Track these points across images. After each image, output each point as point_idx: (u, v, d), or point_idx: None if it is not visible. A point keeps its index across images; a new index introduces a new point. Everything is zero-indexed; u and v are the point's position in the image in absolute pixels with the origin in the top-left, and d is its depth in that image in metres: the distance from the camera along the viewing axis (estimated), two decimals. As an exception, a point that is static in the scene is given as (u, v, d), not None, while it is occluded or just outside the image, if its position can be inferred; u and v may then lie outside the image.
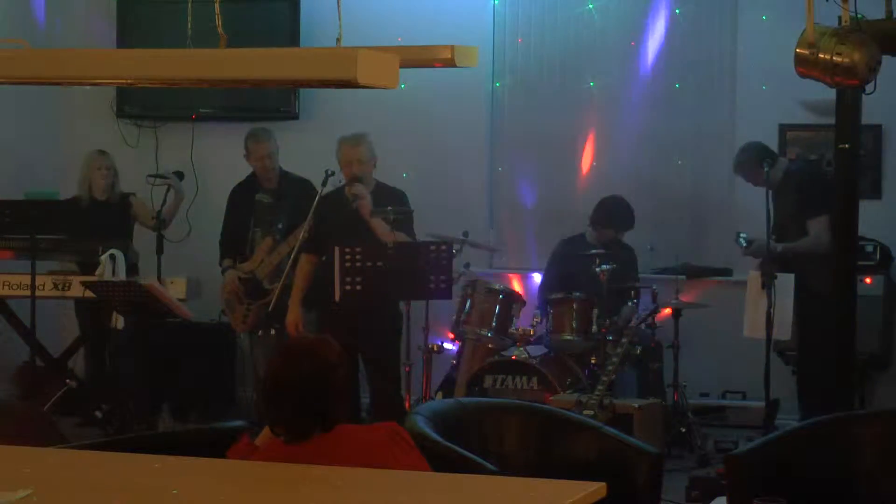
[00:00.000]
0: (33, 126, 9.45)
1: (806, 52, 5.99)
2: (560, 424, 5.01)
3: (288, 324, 7.53)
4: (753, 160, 7.65)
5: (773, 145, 8.24)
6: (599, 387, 7.17)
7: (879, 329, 8.08)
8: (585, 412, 6.89)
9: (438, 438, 4.55)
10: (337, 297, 7.14)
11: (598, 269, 7.75)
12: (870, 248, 8.05)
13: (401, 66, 3.30)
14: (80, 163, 8.67)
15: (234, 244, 8.25)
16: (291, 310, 7.56)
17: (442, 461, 4.10)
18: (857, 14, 6.00)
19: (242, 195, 8.27)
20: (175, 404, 8.47)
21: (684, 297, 8.00)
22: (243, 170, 8.34)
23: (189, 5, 4.29)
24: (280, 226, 7.99)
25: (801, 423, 5.23)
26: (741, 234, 7.67)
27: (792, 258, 7.50)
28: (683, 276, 8.34)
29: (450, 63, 3.73)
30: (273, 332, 7.90)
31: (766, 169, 7.39)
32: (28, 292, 8.06)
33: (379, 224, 7.32)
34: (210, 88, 8.15)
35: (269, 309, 7.52)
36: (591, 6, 8.90)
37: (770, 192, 7.56)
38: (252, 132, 8.24)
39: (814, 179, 7.81)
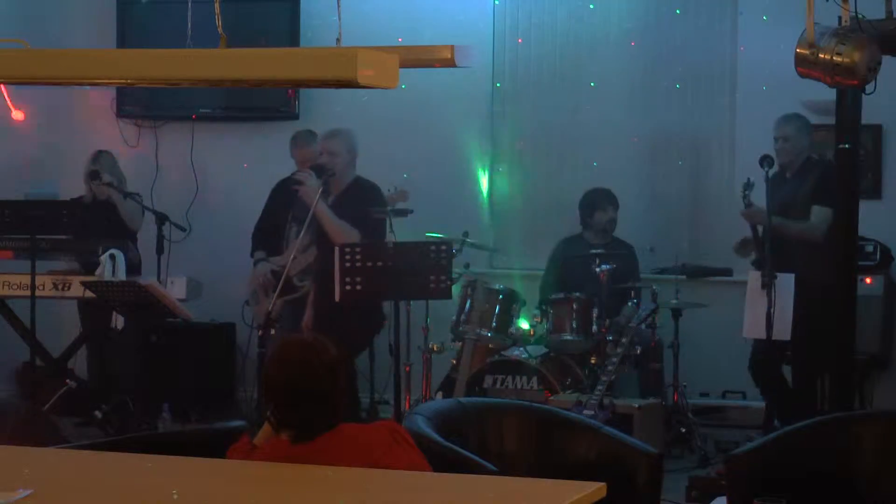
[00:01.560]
0: (33, 126, 9.44)
1: (806, 52, 5.99)
2: (560, 424, 5.01)
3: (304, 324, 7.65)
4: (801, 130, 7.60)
5: (774, 145, 8.24)
6: (599, 387, 7.17)
7: (879, 329, 8.08)
8: (585, 412, 6.89)
9: (438, 438, 4.55)
10: (337, 298, 7.16)
11: (598, 269, 7.76)
12: (870, 248, 8.05)
13: (401, 66, 3.30)
14: (80, 163, 8.67)
15: (268, 237, 8.26)
16: (308, 310, 7.66)
17: (442, 461, 4.10)
18: (857, 14, 5.99)
19: (285, 190, 8.26)
20: (175, 404, 8.46)
21: (684, 298, 8.02)
22: (243, 169, 8.35)
23: (189, 5, 4.29)
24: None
25: (801, 423, 5.22)
26: (751, 180, 7.52)
27: (790, 251, 7.43)
28: (683, 276, 8.34)
29: (450, 63, 3.73)
30: (273, 332, 7.91)
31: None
32: (28, 292, 8.06)
33: (325, 215, 7.35)
34: (210, 88, 8.16)
35: (270, 309, 7.52)
36: (591, 6, 8.90)
37: (778, 171, 7.55)
38: (295, 136, 8.30)
39: (831, 173, 7.78)
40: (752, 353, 7.75)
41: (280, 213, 8.25)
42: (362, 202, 7.36)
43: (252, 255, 8.31)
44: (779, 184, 7.61)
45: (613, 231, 8.25)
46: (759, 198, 7.44)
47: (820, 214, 7.43)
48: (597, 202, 8.25)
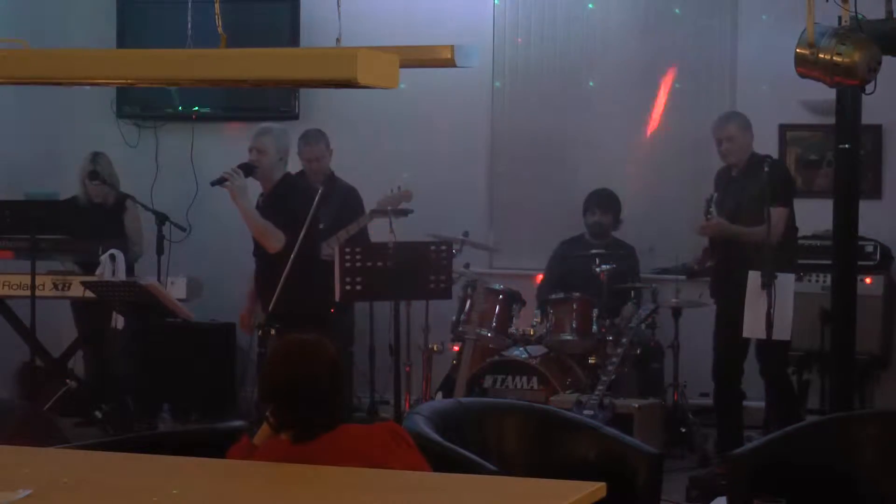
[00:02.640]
0: (33, 126, 9.45)
1: (806, 52, 5.99)
2: (560, 424, 5.02)
3: None
4: (744, 127, 7.59)
5: (774, 145, 8.24)
6: (599, 387, 7.17)
7: (879, 329, 8.07)
8: (585, 412, 6.89)
9: (438, 438, 4.55)
10: (337, 298, 7.18)
11: (598, 269, 7.76)
12: (870, 248, 8.05)
13: (401, 66, 3.30)
14: (80, 163, 8.67)
15: None
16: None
17: (442, 461, 4.10)
18: (857, 14, 5.99)
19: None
20: (175, 404, 8.47)
21: (684, 298, 8.02)
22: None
23: (189, 5, 4.29)
24: (321, 226, 7.97)
25: (801, 423, 5.24)
26: (713, 204, 7.56)
27: (745, 252, 7.38)
28: (683, 277, 8.34)
29: (450, 63, 3.73)
30: (273, 331, 7.91)
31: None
32: (28, 292, 8.06)
33: (247, 214, 7.35)
34: (210, 88, 8.16)
35: (271, 308, 7.51)
36: (591, 6, 8.90)
37: (724, 170, 7.56)
38: (304, 134, 8.28)
39: (783, 172, 7.78)
40: (713, 361, 7.70)
41: None
42: (290, 202, 7.31)
43: (254, 254, 8.29)
44: (726, 183, 7.60)
45: (604, 234, 8.22)
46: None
47: (776, 216, 7.38)
48: (587, 205, 8.26)
